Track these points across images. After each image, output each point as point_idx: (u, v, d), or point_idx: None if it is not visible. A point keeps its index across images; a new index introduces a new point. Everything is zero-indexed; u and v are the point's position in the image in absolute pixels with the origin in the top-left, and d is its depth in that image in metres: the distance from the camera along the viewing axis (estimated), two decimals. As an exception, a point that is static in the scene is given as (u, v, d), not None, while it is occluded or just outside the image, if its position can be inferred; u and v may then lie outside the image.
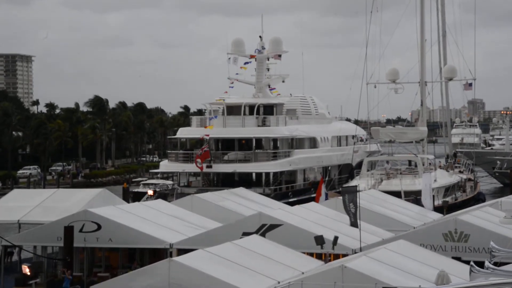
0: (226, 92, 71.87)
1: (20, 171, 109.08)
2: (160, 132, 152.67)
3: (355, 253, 29.66)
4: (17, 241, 35.32)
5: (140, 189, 72.89)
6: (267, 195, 54.65)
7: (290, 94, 78.94)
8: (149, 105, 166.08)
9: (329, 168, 77.16)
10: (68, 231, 32.41)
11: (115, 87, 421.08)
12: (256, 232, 31.70)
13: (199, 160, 64.69)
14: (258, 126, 68.95)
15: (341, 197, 41.46)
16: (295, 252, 29.07)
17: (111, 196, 43.36)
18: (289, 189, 67.99)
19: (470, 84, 73.56)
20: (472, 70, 74.06)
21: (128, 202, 50.43)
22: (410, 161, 69.58)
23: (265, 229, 32.19)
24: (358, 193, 33.38)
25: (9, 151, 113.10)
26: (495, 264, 17.98)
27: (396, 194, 51.11)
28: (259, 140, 68.52)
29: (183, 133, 71.69)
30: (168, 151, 77.27)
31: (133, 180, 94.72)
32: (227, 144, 69.51)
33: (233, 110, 70.21)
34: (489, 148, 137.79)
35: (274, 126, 69.49)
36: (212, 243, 28.50)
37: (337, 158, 78.15)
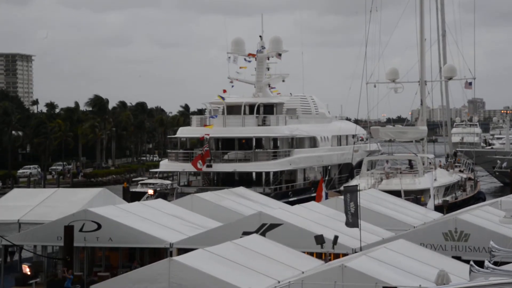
0: (225, 91, 71.82)
1: (20, 171, 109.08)
2: (160, 131, 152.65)
3: (355, 252, 29.67)
4: (17, 241, 35.34)
5: (138, 189, 72.86)
6: (267, 195, 54.65)
7: (290, 94, 78.90)
8: (149, 105, 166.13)
9: (329, 167, 77.15)
10: (68, 230, 32.42)
11: (115, 86, 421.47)
12: (256, 231, 31.72)
13: (200, 161, 64.61)
14: (258, 125, 68.93)
15: (341, 197, 41.48)
16: (295, 252, 29.09)
17: (111, 195, 43.39)
18: (289, 188, 67.98)
19: (470, 83, 73.59)
20: (471, 69, 74.19)
21: (128, 202, 50.45)
22: (410, 161, 69.56)
23: (265, 228, 32.20)
24: (358, 192, 33.37)
25: (9, 151, 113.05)
26: (495, 263, 17.98)
27: (396, 193, 51.13)
28: (259, 140, 68.52)
29: (183, 132, 71.70)
30: (168, 151, 77.25)
31: (133, 179, 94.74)
32: (227, 144, 69.49)
33: (233, 109, 70.21)
34: (489, 147, 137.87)
35: (274, 126, 69.48)
36: (212, 242, 28.52)
37: (337, 157, 78.14)
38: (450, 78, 73.76)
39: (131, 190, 73.17)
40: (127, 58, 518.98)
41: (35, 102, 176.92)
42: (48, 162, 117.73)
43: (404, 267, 24.35)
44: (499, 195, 60.61)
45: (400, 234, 32.18)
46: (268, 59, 75.02)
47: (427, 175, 61.96)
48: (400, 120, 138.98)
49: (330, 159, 76.81)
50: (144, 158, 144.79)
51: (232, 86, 72.58)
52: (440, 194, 60.66)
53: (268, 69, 75.63)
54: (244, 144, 68.90)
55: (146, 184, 75.45)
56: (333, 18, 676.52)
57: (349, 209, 30.74)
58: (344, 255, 29.69)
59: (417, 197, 54.25)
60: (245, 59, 73.50)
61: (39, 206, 40.05)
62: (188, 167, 67.05)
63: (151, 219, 35.20)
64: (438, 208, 50.24)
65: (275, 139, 70.02)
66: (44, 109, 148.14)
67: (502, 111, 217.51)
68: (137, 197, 63.20)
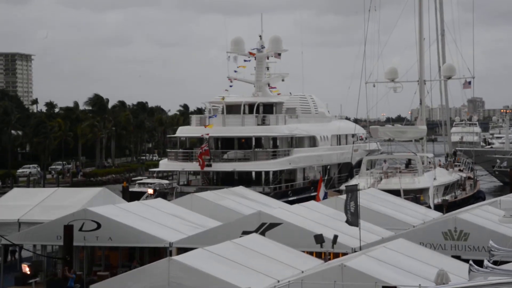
0: (227, 90, 71.86)
1: (20, 170, 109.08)
2: (160, 131, 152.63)
3: (355, 252, 29.69)
4: (17, 240, 35.38)
5: (135, 188, 72.82)
6: (267, 194, 54.69)
7: (290, 93, 78.87)
8: (149, 104, 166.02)
9: (329, 167, 77.13)
10: (68, 230, 32.43)
11: (115, 86, 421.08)
12: (256, 231, 31.74)
13: (205, 157, 64.67)
14: (258, 125, 68.90)
15: (340, 196, 41.54)
16: (295, 251, 29.11)
17: (111, 195, 43.40)
18: (289, 188, 67.96)
19: (469, 83, 73.61)
20: (470, 68, 74.20)
21: (128, 201, 50.47)
22: (410, 160, 69.59)
23: (265, 228, 32.22)
24: (358, 191, 33.39)
25: (8, 150, 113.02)
26: (494, 263, 17.99)
27: (396, 192, 51.14)
28: (258, 139, 68.52)
29: (182, 132, 71.71)
30: (168, 150, 77.24)
31: (133, 179, 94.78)
32: (226, 143, 69.48)
33: (232, 109, 70.19)
34: (489, 146, 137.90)
35: (274, 125, 69.46)
36: (212, 242, 28.55)
37: (337, 156, 78.11)
38: (449, 77, 73.71)
39: (128, 190, 73.13)
40: (127, 58, 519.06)
41: (35, 102, 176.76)
42: (47, 161, 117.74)
43: (403, 266, 24.36)
44: (499, 195, 60.63)
45: (400, 234, 32.20)
46: (268, 58, 75.03)
47: (427, 174, 61.99)
48: (399, 120, 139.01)
49: (330, 159, 76.80)
50: (144, 157, 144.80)
51: (231, 86, 72.53)
52: (439, 193, 60.70)
53: (268, 69, 75.61)
54: (243, 143, 68.89)
55: (143, 183, 75.50)
56: (332, 18, 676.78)
57: (348, 208, 30.78)
58: (344, 254, 29.71)
59: (416, 196, 54.27)
60: (244, 60, 73.51)
61: (39, 206, 40.06)
62: (187, 166, 67.06)
63: (150, 218, 35.23)
64: (437, 207, 50.27)
65: (274, 139, 70.02)
66: (44, 109, 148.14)
67: (502, 111, 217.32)
68: (134, 196, 63.19)
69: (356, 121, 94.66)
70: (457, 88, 78.23)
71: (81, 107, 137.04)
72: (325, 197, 48.50)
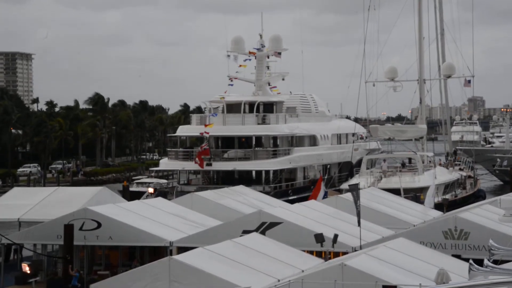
0: (226, 91, 71.84)
1: (20, 169, 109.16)
2: (160, 130, 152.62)
3: (355, 251, 29.68)
4: (17, 239, 35.37)
5: (134, 188, 72.71)
6: (267, 193, 54.65)
7: (290, 92, 78.83)
8: (149, 104, 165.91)
9: (329, 166, 77.08)
10: (68, 229, 32.42)
11: (115, 86, 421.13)
12: (256, 230, 31.72)
13: (197, 159, 64.68)
14: (258, 124, 68.85)
15: (340, 195, 41.54)
16: (295, 250, 29.11)
17: (111, 194, 43.41)
18: (289, 187, 67.92)
19: (469, 81, 73.54)
20: (470, 67, 74.16)
21: (128, 200, 50.47)
22: (410, 159, 69.58)
23: (265, 227, 32.21)
24: (358, 191, 33.40)
25: (9, 149, 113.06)
26: (495, 262, 17.98)
27: (396, 191, 51.13)
28: (259, 138, 68.48)
29: (183, 131, 71.72)
30: (168, 149, 77.22)
31: (133, 178, 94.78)
32: (227, 142, 69.46)
33: (232, 108, 70.16)
34: (489, 145, 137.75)
35: (274, 124, 69.42)
36: (212, 241, 28.56)
37: (337, 156, 78.07)
38: (449, 76, 73.67)
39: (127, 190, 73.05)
40: (127, 57, 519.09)
41: (35, 101, 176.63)
42: (48, 160, 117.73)
43: (404, 265, 24.36)
44: (499, 194, 60.60)
45: (400, 233, 32.20)
46: (268, 57, 75.00)
47: (427, 173, 61.99)
48: (400, 119, 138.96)
49: (330, 158, 76.76)
50: (144, 156, 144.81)
51: (230, 85, 72.48)
52: (439, 192, 60.69)
53: (268, 68, 75.56)
54: (244, 142, 68.86)
55: (142, 183, 75.44)
56: (332, 17, 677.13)
57: (358, 209, 30.74)
58: (344, 253, 29.70)
59: (416, 195, 54.27)
60: (244, 59, 73.46)
61: (39, 205, 40.05)
62: (188, 165, 67.05)
63: (151, 217, 35.23)
64: (438, 206, 50.27)
65: (275, 138, 69.98)
66: (44, 108, 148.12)
67: (502, 109, 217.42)
68: (134, 196, 63.10)
69: (356, 120, 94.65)
70: (457, 87, 78.27)
71: (82, 106, 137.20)
72: (325, 196, 48.54)
